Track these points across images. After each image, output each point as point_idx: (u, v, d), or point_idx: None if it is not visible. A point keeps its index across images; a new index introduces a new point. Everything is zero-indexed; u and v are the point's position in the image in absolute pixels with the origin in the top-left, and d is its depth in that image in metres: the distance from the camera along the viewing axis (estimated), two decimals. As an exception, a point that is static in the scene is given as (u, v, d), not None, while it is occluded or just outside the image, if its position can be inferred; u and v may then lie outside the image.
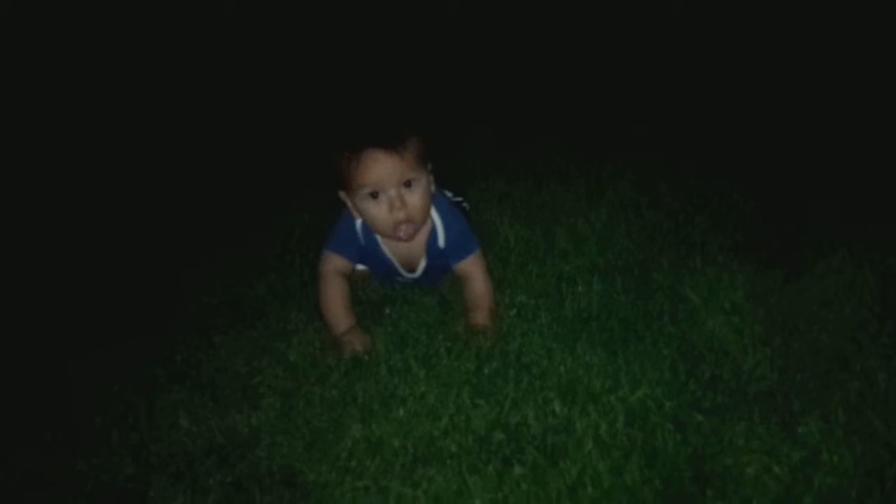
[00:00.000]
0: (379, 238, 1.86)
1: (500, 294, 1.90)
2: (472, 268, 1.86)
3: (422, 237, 1.85)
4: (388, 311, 1.89)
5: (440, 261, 1.89)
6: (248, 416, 1.55)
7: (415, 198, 1.73)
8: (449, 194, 2.03)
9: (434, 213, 1.84)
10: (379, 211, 1.73)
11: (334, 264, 1.85)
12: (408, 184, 1.72)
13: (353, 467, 1.37)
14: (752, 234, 2.20)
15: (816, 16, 4.75)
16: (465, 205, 2.12)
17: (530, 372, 1.59)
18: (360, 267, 1.99)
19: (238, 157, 3.43)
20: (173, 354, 1.80)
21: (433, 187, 1.81)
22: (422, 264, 1.91)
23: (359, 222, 1.85)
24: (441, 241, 1.86)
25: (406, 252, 1.89)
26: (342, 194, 1.80)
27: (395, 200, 1.70)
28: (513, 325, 1.78)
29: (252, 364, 1.73)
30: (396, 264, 1.91)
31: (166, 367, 1.76)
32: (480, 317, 1.80)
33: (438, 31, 5.71)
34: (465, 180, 2.60)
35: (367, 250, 1.89)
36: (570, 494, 1.26)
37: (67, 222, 2.79)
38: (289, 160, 3.21)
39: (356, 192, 1.73)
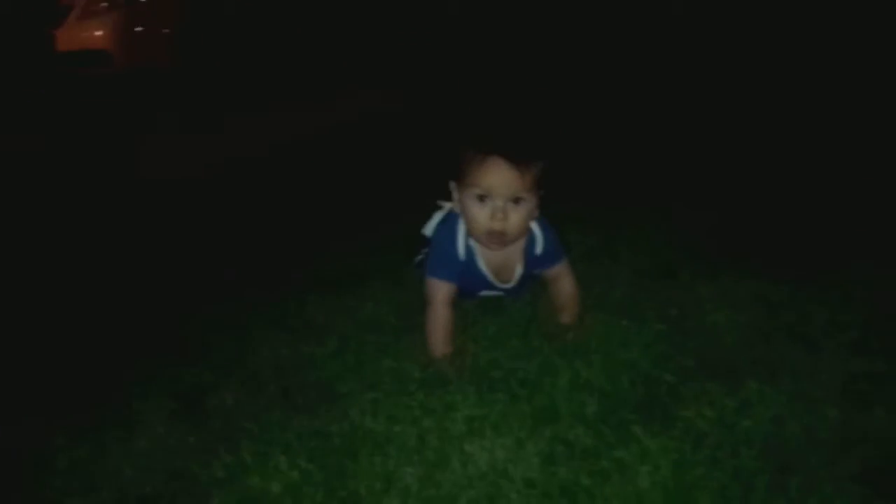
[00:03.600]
0: (476, 248, 1.90)
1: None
2: (562, 272, 1.95)
3: (520, 244, 1.90)
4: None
5: (533, 268, 1.96)
6: (312, 349, 1.94)
7: (517, 215, 1.78)
8: None
9: (533, 223, 1.89)
10: (480, 214, 1.79)
11: (442, 293, 1.87)
12: (516, 200, 1.78)
13: (375, 385, 1.72)
14: (766, 245, 2.45)
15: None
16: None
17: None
18: None
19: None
20: (284, 306, 2.27)
21: (537, 211, 1.87)
22: (517, 272, 1.95)
23: (460, 231, 1.89)
24: (539, 248, 1.91)
25: (503, 261, 1.92)
26: (453, 185, 1.87)
27: (498, 211, 1.76)
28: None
29: (329, 318, 2.14)
30: (490, 277, 1.95)
31: (270, 314, 2.23)
32: (567, 317, 1.93)
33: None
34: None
35: (465, 266, 1.91)
36: (533, 416, 1.54)
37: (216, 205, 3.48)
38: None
39: (467, 188, 1.79)
